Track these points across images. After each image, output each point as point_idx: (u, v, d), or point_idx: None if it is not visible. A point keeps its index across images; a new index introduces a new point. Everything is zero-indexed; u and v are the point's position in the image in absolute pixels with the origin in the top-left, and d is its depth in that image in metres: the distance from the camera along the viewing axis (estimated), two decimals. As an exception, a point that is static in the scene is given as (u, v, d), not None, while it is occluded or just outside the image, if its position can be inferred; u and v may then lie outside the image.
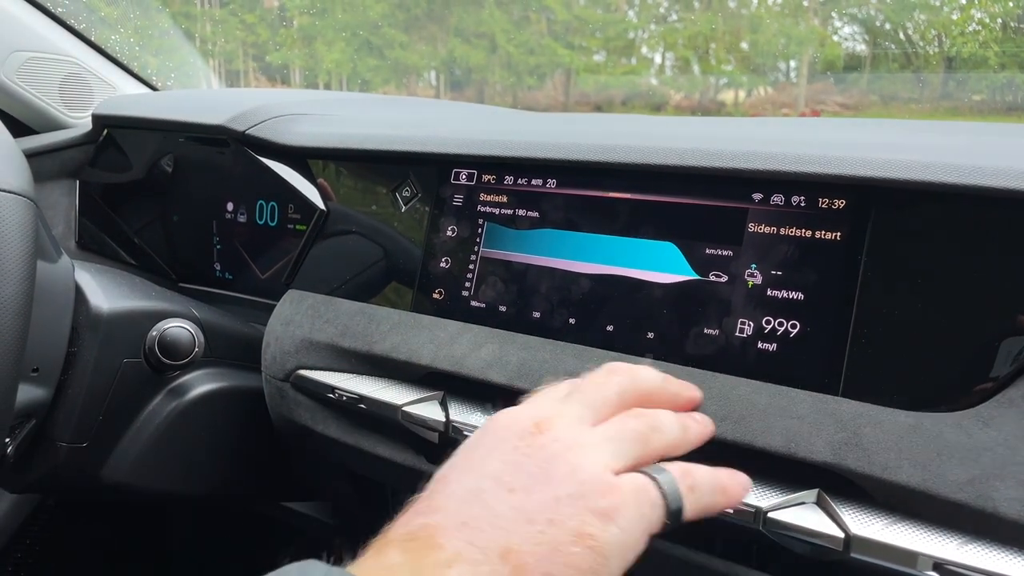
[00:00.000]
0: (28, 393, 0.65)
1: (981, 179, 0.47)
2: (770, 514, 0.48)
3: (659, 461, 0.43)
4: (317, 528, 0.97)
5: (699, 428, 0.47)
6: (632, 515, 0.39)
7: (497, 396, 0.61)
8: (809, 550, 0.47)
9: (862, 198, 0.51)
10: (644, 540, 0.40)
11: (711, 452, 0.52)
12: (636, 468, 0.42)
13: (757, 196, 0.54)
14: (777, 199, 0.54)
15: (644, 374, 0.47)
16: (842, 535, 0.45)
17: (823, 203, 0.52)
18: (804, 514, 0.47)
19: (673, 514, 0.41)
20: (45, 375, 0.66)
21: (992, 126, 0.77)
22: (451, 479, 0.40)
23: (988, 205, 0.47)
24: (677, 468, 0.43)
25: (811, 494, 0.48)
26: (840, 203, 0.51)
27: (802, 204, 0.53)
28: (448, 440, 0.61)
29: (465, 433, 0.60)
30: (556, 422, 0.42)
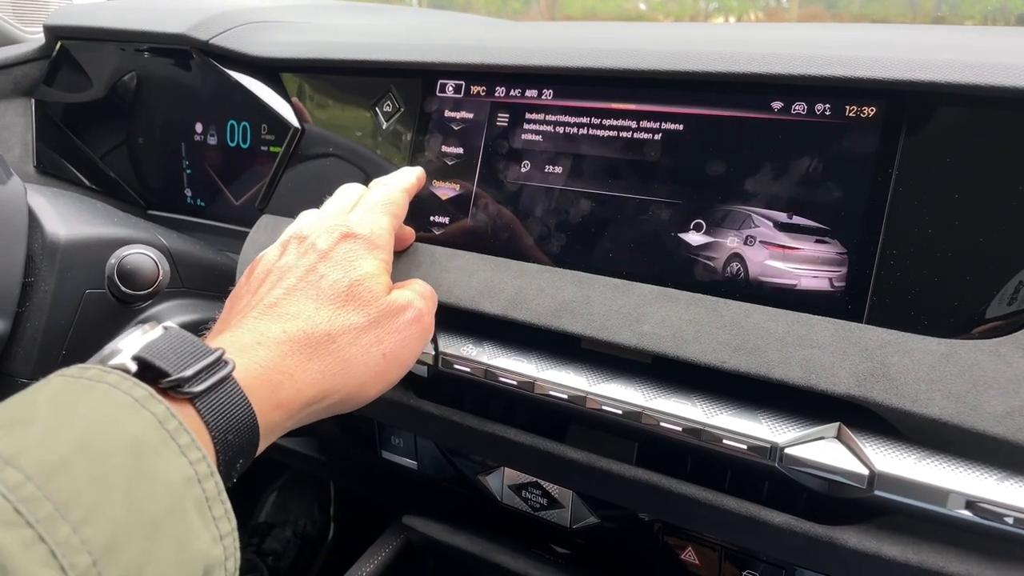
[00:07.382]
0: (-19, 327, 0.60)
1: (1032, 81, 0.42)
2: (787, 450, 0.44)
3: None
4: (304, 460, 0.94)
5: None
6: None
7: (490, 328, 0.56)
8: (829, 488, 0.44)
9: (895, 105, 0.46)
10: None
11: (724, 382, 0.48)
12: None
13: (776, 104, 0.49)
14: (799, 107, 0.48)
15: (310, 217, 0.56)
16: (866, 472, 0.42)
17: (851, 111, 0.47)
18: (824, 449, 0.44)
19: None
20: (0, 308, 0.61)
21: (1013, 30, 0.71)
22: None
23: (1037, 111, 0.42)
24: None
25: (831, 428, 0.45)
26: (870, 111, 0.46)
27: (827, 113, 0.48)
28: (439, 374, 0.57)
29: (456, 367, 0.56)
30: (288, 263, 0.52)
